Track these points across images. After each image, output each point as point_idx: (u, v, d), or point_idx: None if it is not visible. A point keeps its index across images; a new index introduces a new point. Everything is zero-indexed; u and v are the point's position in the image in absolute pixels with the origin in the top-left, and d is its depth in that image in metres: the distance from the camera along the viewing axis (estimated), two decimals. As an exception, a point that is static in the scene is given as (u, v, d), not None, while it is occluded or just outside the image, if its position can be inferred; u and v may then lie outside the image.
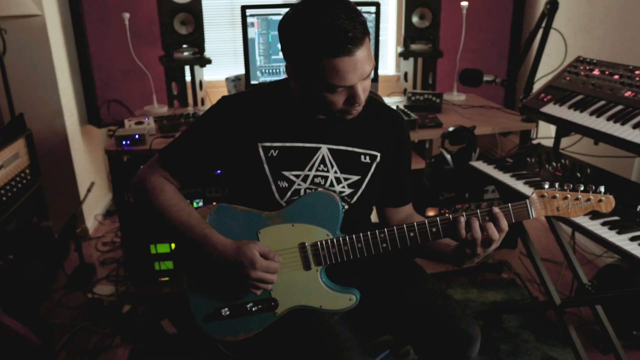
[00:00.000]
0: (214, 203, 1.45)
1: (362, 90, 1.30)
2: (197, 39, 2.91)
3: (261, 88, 1.49)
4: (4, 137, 2.47)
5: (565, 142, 2.23)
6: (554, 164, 2.03)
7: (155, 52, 3.11)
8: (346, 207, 1.46)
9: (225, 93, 2.96)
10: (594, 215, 1.65)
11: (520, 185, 1.90)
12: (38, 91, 3.04)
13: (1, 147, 2.39)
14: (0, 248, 2.31)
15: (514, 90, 2.79)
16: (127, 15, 2.76)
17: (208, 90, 3.24)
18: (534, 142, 2.51)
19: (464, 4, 2.87)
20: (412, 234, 1.35)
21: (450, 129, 2.36)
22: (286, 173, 1.41)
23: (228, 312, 1.40)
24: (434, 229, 1.34)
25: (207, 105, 3.27)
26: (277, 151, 1.42)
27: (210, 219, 1.42)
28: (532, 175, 1.98)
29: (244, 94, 1.49)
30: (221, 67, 3.68)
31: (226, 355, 1.51)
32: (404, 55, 3.12)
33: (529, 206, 1.31)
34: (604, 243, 1.56)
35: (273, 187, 1.41)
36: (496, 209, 1.29)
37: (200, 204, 2.49)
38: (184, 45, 2.92)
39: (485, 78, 2.67)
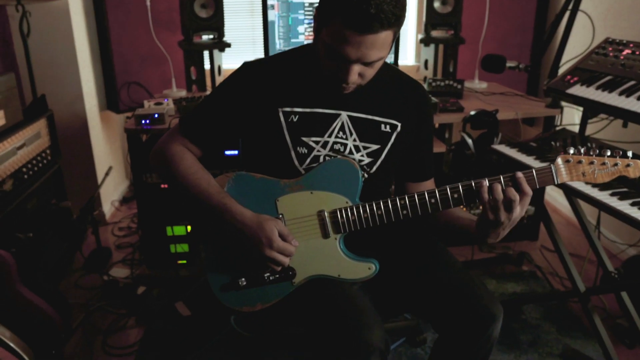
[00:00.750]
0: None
1: (356, 73, 1.27)
2: (216, 23, 2.91)
3: (283, 53, 1.48)
4: (26, 116, 2.49)
5: (590, 128, 2.18)
6: (580, 147, 1.97)
7: (175, 38, 3.11)
8: (365, 176, 1.43)
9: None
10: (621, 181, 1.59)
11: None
12: (59, 74, 3.06)
13: (24, 125, 2.41)
14: (20, 225, 2.32)
15: (537, 78, 2.74)
16: (148, -1, 2.77)
17: (226, 76, 3.23)
18: (559, 128, 2.46)
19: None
20: (432, 200, 1.32)
21: (472, 112, 2.32)
22: (305, 139, 1.39)
23: (245, 282, 1.38)
24: (455, 195, 1.31)
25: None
26: (297, 117, 1.40)
27: (229, 187, 1.40)
28: (557, 158, 1.93)
29: (266, 58, 1.47)
30: (239, 55, 3.67)
31: (241, 335, 1.49)
32: (425, 41, 3.09)
33: (553, 171, 1.28)
34: (633, 223, 1.51)
35: (292, 153, 1.39)
36: (519, 174, 1.26)
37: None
38: (203, 30, 2.91)
39: (509, 64, 2.62)
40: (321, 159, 1.40)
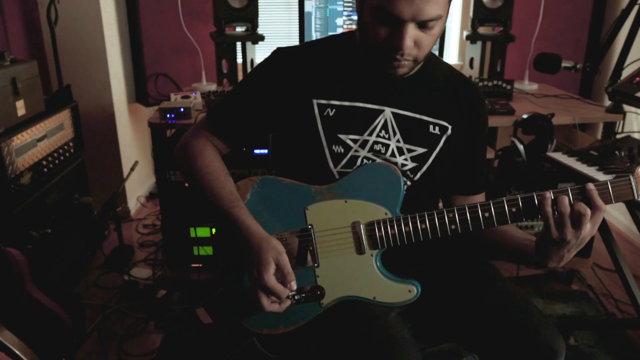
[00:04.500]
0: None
1: (412, 38, 1.08)
2: (250, 14, 2.75)
3: (321, 40, 1.31)
4: (49, 106, 2.39)
5: (657, 136, 1.95)
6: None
7: (207, 29, 2.98)
8: (408, 183, 1.25)
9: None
10: None
11: (611, 179, 1.63)
12: (87, 64, 2.96)
13: (45, 116, 2.30)
14: (38, 221, 2.22)
15: (592, 80, 2.51)
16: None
17: (259, 71, 3.09)
18: (620, 136, 2.23)
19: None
20: (487, 214, 1.13)
21: (525, 116, 2.10)
22: (342, 136, 1.22)
23: None
24: (513, 209, 1.12)
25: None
26: (334, 110, 1.22)
27: (253, 192, 1.24)
28: (622, 170, 1.71)
29: (302, 45, 1.32)
30: (273, 47, 3.52)
31: (262, 354, 1.32)
32: (472, 38, 2.87)
33: (633, 184, 1.08)
34: None
35: (327, 152, 1.22)
36: (591, 185, 1.07)
37: (245, 186, 2.32)
38: (236, 22, 2.77)
39: (564, 64, 2.38)
40: (359, 161, 1.22)
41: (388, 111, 1.23)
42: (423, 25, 1.07)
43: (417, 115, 1.25)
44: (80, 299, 2.32)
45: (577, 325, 2.22)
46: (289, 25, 3.68)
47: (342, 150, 1.22)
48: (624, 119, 2.28)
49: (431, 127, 1.26)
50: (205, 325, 2.23)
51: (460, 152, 1.31)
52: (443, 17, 1.10)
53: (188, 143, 1.30)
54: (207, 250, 2.45)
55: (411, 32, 1.07)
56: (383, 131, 1.23)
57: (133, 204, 3.37)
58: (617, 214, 3.11)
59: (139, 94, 3.35)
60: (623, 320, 2.27)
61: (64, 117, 2.47)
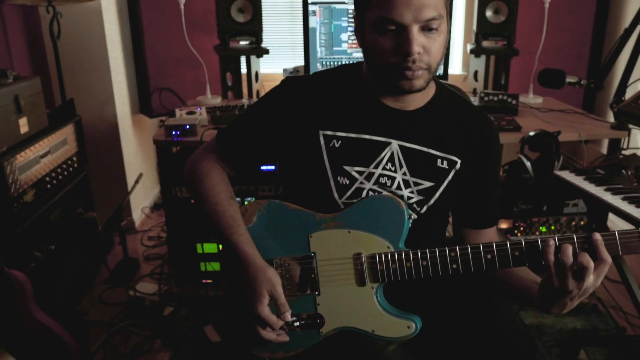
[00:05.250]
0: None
1: (419, 43, 1.07)
2: (254, 28, 2.76)
3: (329, 71, 1.31)
4: (52, 121, 2.39)
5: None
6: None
7: (211, 42, 2.98)
8: (414, 216, 1.24)
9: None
10: None
11: (619, 202, 1.62)
12: (90, 77, 2.96)
13: (49, 132, 2.30)
14: (41, 238, 2.22)
15: (594, 95, 2.50)
16: (183, 0, 2.63)
17: (264, 83, 3.08)
18: (625, 152, 2.21)
19: (548, -2, 2.59)
20: (489, 256, 1.12)
21: (531, 133, 2.09)
22: (348, 168, 1.21)
23: None
24: (516, 252, 1.10)
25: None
26: (340, 142, 1.21)
27: (260, 215, 1.25)
28: (630, 190, 1.70)
29: (310, 76, 1.31)
30: (278, 59, 3.51)
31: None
32: (476, 52, 2.87)
33: None
34: None
35: (332, 183, 1.21)
36: (597, 236, 1.03)
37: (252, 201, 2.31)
38: (240, 35, 2.77)
39: (568, 79, 2.37)
40: (364, 193, 1.21)
41: (395, 144, 1.22)
42: (426, 27, 1.07)
43: (425, 149, 1.23)
44: (85, 318, 2.34)
45: (588, 341, 2.20)
46: (292, 36, 3.67)
47: (348, 182, 1.21)
48: (629, 135, 2.26)
49: (439, 161, 1.24)
50: (213, 344, 2.21)
51: (471, 185, 1.28)
52: (444, 18, 1.09)
53: (196, 164, 1.33)
54: (214, 266, 2.44)
55: (417, 36, 1.06)
56: (389, 164, 1.22)
57: (138, 216, 3.37)
58: (622, 224, 3.08)
59: (143, 105, 3.35)
60: (635, 338, 2.25)
61: (67, 132, 2.47)
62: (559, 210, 2.36)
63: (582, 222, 2.36)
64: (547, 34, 2.74)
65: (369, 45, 1.13)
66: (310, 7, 2.49)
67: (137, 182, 2.82)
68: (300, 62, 2.63)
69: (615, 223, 3.16)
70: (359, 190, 1.21)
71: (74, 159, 2.54)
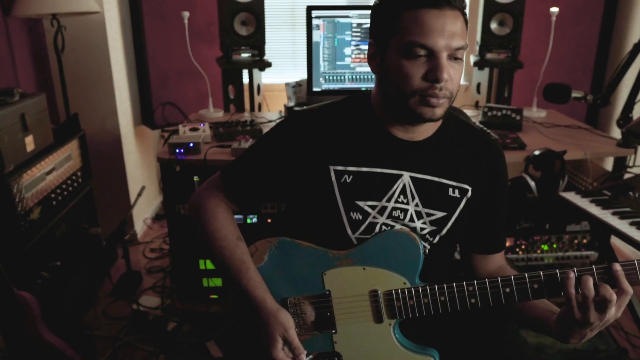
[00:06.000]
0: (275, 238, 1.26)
1: (447, 71, 1.07)
2: (257, 41, 2.75)
3: (336, 103, 1.30)
4: (57, 138, 2.38)
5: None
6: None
7: (213, 52, 2.97)
8: (427, 248, 1.24)
9: (284, 97, 2.80)
10: None
11: (626, 227, 1.63)
12: (93, 90, 2.96)
13: (53, 149, 2.29)
14: (47, 255, 2.22)
15: (599, 108, 2.50)
16: (186, 14, 2.63)
17: (265, 94, 3.08)
18: (631, 170, 2.22)
19: (554, 10, 2.58)
20: (507, 290, 1.12)
21: (536, 152, 2.09)
22: (360, 203, 1.20)
23: None
24: (535, 285, 1.11)
25: (265, 111, 3.13)
26: (351, 177, 1.21)
27: (270, 254, 1.23)
28: (637, 214, 1.70)
29: (317, 109, 1.29)
30: (279, 69, 3.50)
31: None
32: (479, 64, 2.87)
33: None
34: None
35: (344, 218, 1.20)
36: (617, 266, 1.05)
37: (255, 219, 2.31)
38: (243, 47, 2.76)
39: (574, 94, 2.37)
40: (377, 228, 1.21)
41: (406, 176, 1.22)
42: (452, 55, 1.08)
43: (436, 179, 1.23)
44: (90, 333, 2.34)
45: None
46: (293, 46, 3.67)
47: (360, 217, 1.20)
48: (635, 152, 2.26)
49: (450, 190, 1.24)
50: (215, 359, 2.22)
51: (481, 212, 1.29)
52: (466, 47, 1.11)
53: (201, 204, 1.30)
54: (217, 282, 2.44)
55: (444, 58, 1.07)
56: (402, 196, 1.21)
57: (140, 227, 3.37)
58: (626, 247, 3.09)
59: (145, 116, 3.34)
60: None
61: (71, 147, 2.46)
62: (562, 229, 2.36)
63: (584, 240, 2.36)
64: (552, 45, 2.75)
65: (393, 70, 1.11)
66: (314, 21, 2.48)
67: (139, 195, 2.81)
68: (302, 72, 2.63)
69: (619, 245, 3.17)
70: (372, 225, 1.21)
71: (78, 174, 2.53)
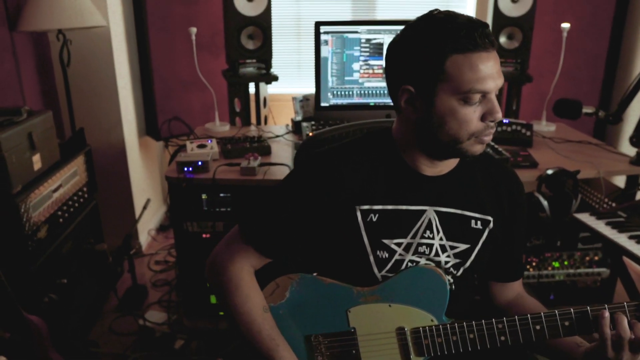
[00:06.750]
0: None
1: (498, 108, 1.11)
2: (264, 55, 2.73)
3: (355, 141, 1.27)
4: (64, 154, 2.35)
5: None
6: None
7: (217, 63, 2.95)
8: (451, 282, 1.23)
9: (290, 108, 2.77)
10: None
11: (646, 254, 1.62)
12: (98, 102, 2.93)
13: (60, 166, 2.26)
14: (54, 273, 2.19)
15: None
16: (194, 30, 2.60)
17: (270, 104, 3.05)
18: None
19: (565, 25, 2.57)
20: (538, 327, 1.11)
21: (549, 172, 2.08)
22: (387, 241, 1.19)
23: None
24: (566, 323, 1.10)
25: (271, 125, 3.10)
26: (377, 215, 1.19)
27: (292, 290, 1.21)
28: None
29: (335, 149, 1.25)
30: (284, 79, 3.47)
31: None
32: (488, 78, 2.85)
33: None
34: None
35: (371, 258, 1.19)
36: None
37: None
38: (249, 60, 2.74)
39: (585, 110, 2.35)
40: (404, 265, 1.19)
41: (430, 210, 1.21)
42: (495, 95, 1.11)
43: (459, 211, 1.23)
44: (97, 350, 2.31)
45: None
46: (299, 55, 3.65)
47: (387, 256, 1.19)
48: (649, 171, 2.26)
49: (473, 222, 1.24)
50: (224, 378, 2.20)
51: (501, 241, 1.28)
52: None
53: (224, 270, 1.22)
54: (225, 299, 2.42)
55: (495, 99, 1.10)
56: (427, 231, 1.20)
57: (144, 239, 3.34)
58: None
59: (149, 127, 3.31)
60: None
61: (77, 163, 2.43)
62: (574, 245, 2.35)
63: (596, 257, 2.36)
64: (560, 57, 2.73)
65: (447, 116, 1.09)
66: (323, 37, 2.45)
67: (145, 208, 2.79)
68: (307, 82, 2.60)
69: (630, 261, 3.15)
70: (399, 262, 1.19)
71: (84, 189, 2.50)
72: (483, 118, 1.09)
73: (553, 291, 2.45)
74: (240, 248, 1.22)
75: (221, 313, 2.46)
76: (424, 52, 1.07)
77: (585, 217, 1.87)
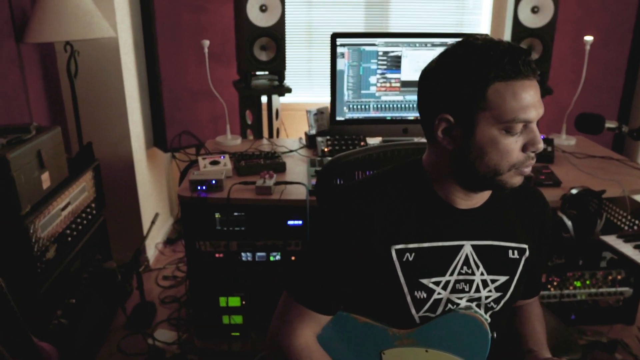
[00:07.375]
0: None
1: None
2: (277, 66, 2.66)
3: (385, 175, 1.20)
4: (72, 170, 2.28)
5: None
6: None
7: (227, 73, 2.88)
8: (488, 321, 1.17)
9: (301, 118, 2.70)
10: None
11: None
12: (106, 114, 2.87)
13: (70, 183, 2.20)
14: (62, 293, 2.13)
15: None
16: (206, 43, 2.53)
17: (282, 113, 2.99)
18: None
19: (588, 38, 2.50)
20: None
21: (574, 191, 2.01)
22: (425, 281, 1.13)
23: None
24: None
25: (283, 138, 3.04)
26: (413, 254, 1.12)
27: (325, 327, 1.17)
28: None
29: (364, 185, 1.19)
30: (295, 88, 3.38)
31: None
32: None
33: None
34: None
35: (409, 298, 1.13)
36: None
37: (278, 257, 2.23)
38: (261, 72, 2.67)
39: (608, 125, 2.28)
40: (442, 304, 1.13)
41: (467, 245, 1.15)
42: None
43: (496, 243, 1.18)
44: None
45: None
46: (309, 64, 3.59)
47: (425, 296, 1.13)
48: (673, 188, 2.19)
49: (510, 252, 1.19)
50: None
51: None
52: None
53: (289, 346, 1.16)
54: (237, 320, 2.36)
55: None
56: (465, 267, 1.14)
57: (152, 253, 3.28)
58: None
59: (157, 139, 3.25)
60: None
61: (86, 179, 2.37)
62: (596, 264, 2.29)
63: (619, 277, 2.29)
64: (578, 66, 2.67)
65: (488, 146, 1.04)
66: (339, 49, 2.39)
67: (153, 222, 2.73)
68: (318, 91, 2.53)
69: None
70: (437, 301, 1.13)
71: (92, 205, 2.44)
72: (524, 149, 1.04)
73: (574, 311, 2.39)
74: (296, 315, 1.17)
75: (235, 334, 2.40)
76: (464, 80, 1.03)
77: (612, 240, 1.81)
